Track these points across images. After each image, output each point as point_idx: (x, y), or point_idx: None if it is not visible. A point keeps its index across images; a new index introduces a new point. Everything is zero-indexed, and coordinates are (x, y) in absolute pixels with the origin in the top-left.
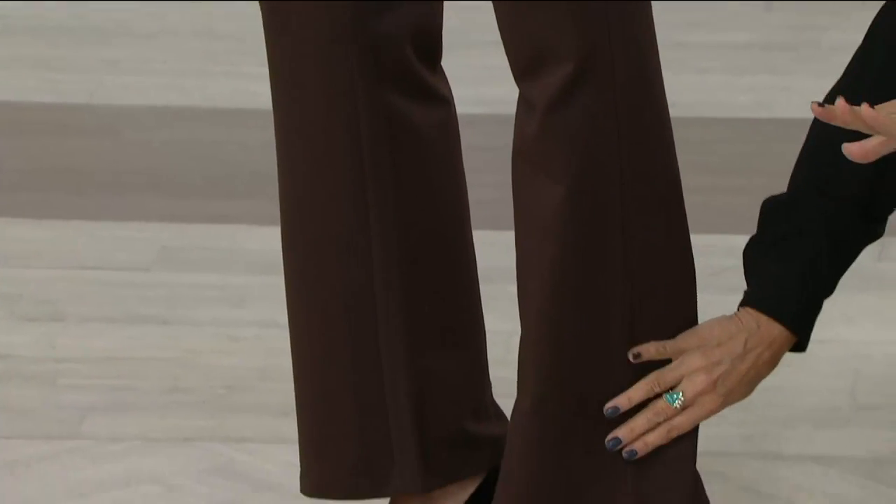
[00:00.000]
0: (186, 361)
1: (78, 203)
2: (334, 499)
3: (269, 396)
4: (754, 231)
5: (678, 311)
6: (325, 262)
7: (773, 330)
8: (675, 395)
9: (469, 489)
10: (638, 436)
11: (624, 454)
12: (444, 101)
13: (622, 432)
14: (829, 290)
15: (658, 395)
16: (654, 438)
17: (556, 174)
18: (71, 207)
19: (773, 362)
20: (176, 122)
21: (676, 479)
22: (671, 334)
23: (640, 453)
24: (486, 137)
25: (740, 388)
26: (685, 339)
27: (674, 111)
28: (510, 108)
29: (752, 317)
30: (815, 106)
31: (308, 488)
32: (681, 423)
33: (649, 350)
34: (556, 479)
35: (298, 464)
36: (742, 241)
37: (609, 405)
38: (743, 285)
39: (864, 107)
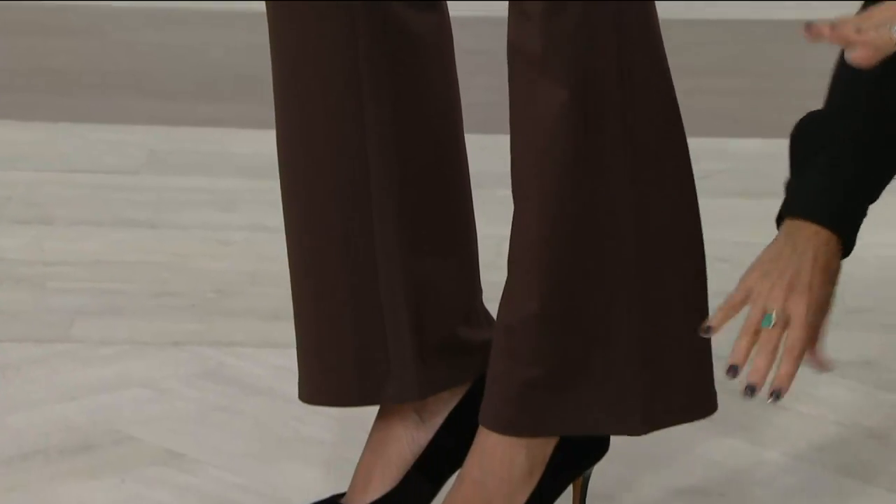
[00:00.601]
0: (175, 265)
1: (65, 104)
2: (331, 406)
3: (258, 301)
4: (744, 133)
5: (682, 211)
6: (321, 165)
7: (811, 229)
8: (767, 318)
9: (459, 394)
10: (764, 374)
11: (769, 401)
12: (438, 4)
13: (751, 378)
14: (868, 193)
15: (755, 334)
16: (788, 368)
17: (558, 79)
18: (58, 109)
19: (832, 254)
20: (162, 24)
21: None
22: (676, 234)
23: (786, 389)
24: (477, 40)
25: (817, 278)
26: (745, 278)
27: (661, 13)
28: (501, 8)
29: (792, 226)
30: (805, 30)
31: (306, 396)
32: (796, 337)
33: (718, 318)
34: (551, 372)
35: (288, 368)
36: (733, 143)
37: (728, 366)
38: (735, 187)
39: (848, 28)
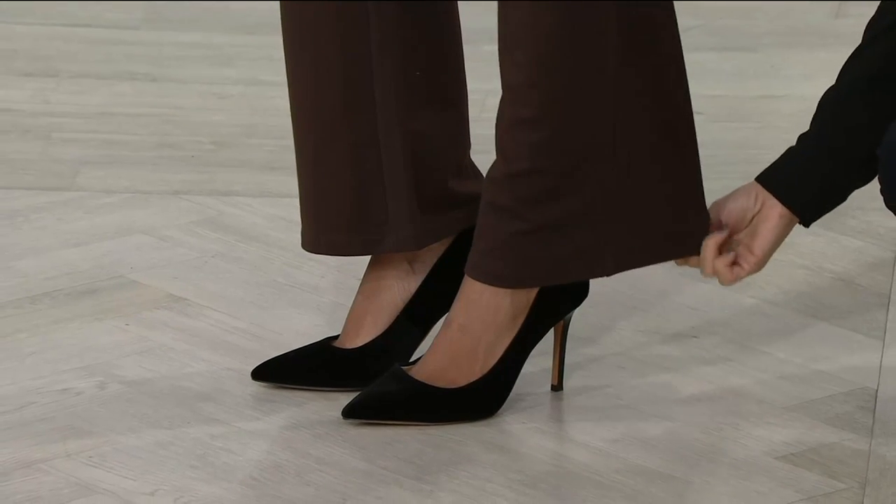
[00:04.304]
0: (175, 118)
1: None
2: (333, 255)
3: (254, 152)
4: None
5: (663, 73)
6: (324, 30)
7: (784, 210)
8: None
9: (446, 244)
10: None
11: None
12: None
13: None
14: (842, 196)
15: None
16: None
17: None
18: None
19: (789, 230)
20: None
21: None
22: (657, 92)
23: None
24: None
25: (771, 245)
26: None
27: None
28: None
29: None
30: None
31: (309, 245)
32: (746, 272)
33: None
34: (539, 227)
35: (283, 216)
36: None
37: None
38: (707, 42)
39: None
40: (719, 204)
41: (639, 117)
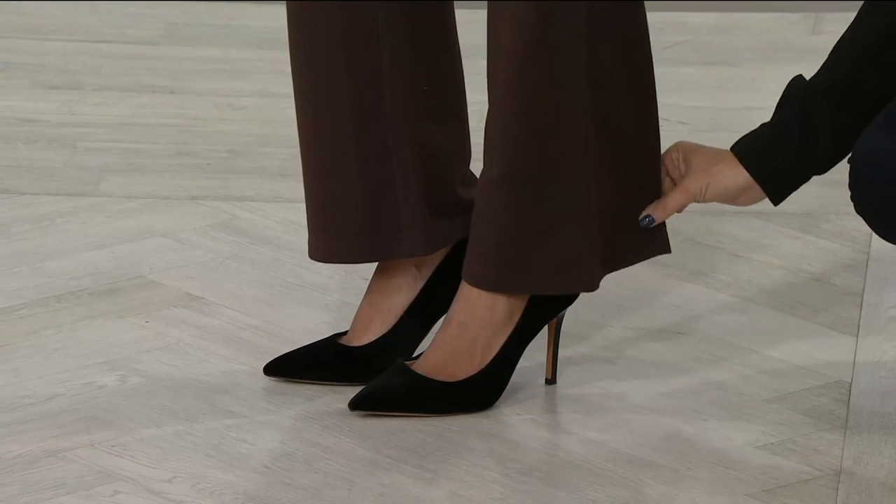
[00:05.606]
0: (192, 128)
1: None
2: (344, 263)
3: (267, 160)
4: (703, 7)
5: (637, 84)
6: (334, 51)
7: (753, 184)
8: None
9: (445, 251)
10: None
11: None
12: None
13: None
14: (810, 172)
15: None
16: (663, 213)
17: None
18: None
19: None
20: None
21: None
22: (632, 101)
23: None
24: None
25: (727, 202)
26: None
27: None
28: None
29: (738, 168)
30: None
31: (317, 255)
32: (678, 201)
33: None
34: (518, 235)
35: (293, 220)
36: (691, 17)
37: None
38: (693, 57)
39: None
40: (700, 171)
41: (614, 127)
